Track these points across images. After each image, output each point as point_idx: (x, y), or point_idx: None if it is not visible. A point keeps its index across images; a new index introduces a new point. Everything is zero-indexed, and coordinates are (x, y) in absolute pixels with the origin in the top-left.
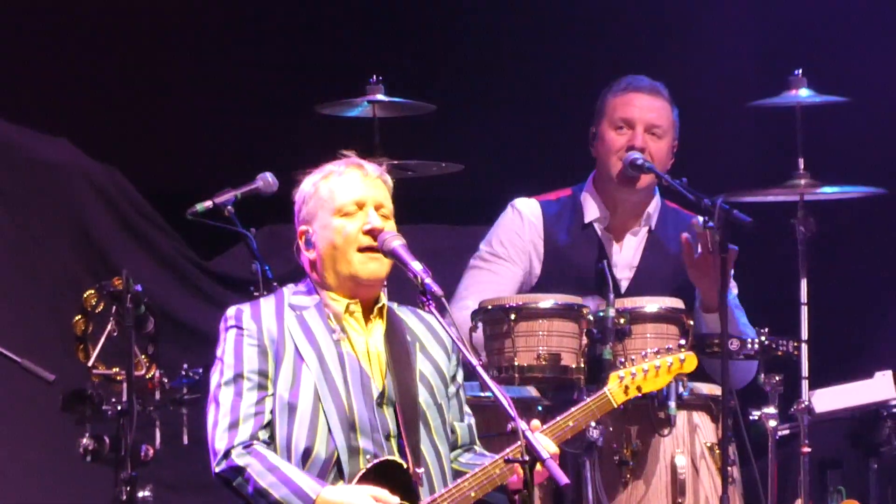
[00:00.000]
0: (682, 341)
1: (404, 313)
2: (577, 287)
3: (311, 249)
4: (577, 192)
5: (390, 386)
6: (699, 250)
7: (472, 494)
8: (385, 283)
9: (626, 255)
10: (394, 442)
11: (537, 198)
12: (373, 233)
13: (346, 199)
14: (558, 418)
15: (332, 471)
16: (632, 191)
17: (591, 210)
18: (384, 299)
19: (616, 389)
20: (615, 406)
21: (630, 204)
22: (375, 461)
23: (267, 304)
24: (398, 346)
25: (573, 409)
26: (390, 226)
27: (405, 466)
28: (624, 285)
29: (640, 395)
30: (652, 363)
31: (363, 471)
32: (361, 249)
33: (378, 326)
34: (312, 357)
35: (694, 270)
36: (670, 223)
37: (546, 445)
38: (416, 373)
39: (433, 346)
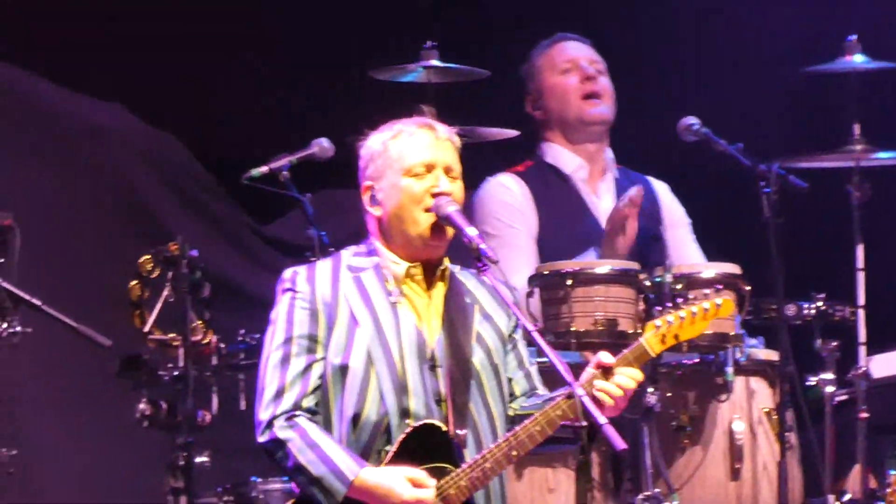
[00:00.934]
0: (719, 286)
1: (464, 276)
2: (572, 244)
3: (377, 206)
4: (539, 159)
5: (443, 348)
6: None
7: (514, 454)
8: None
9: (605, 204)
10: (444, 405)
11: (510, 171)
12: (439, 195)
13: (416, 160)
14: (593, 374)
15: (383, 436)
16: (596, 126)
17: (569, 162)
18: (447, 262)
19: (652, 338)
20: (652, 356)
21: (594, 143)
22: (414, 425)
23: (323, 266)
24: (457, 308)
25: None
26: (459, 187)
27: (445, 429)
28: None
29: (678, 342)
30: (688, 309)
31: (402, 436)
32: (428, 211)
33: (440, 288)
34: (367, 320)
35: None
36: (625, 179)
37: (632, 375)
38: (472, 334)
39: (492, 306)
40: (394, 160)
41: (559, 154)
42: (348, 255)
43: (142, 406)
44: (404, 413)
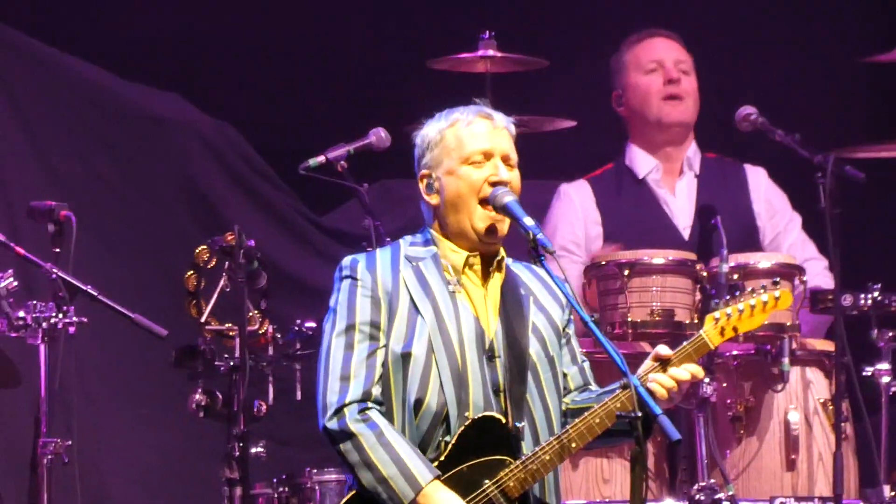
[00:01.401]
0: (777, 278)
1: (518, 268)
2: (643, 245)
3: (433, 195)
4: (620, 161)
5: (500, 339)
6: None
7: (573, 445)
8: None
9: (681, 202)
10: (502, 396)
11: (585, 178)
12: (497, 184)
13: (474, 148)
14: (651, 367)
15: (442, 425)
16: (676, 129)
17: (643, 164)
18: (503, 252)
19: (712, 331)
20: (712, 348)
21: (674, 144)
22: (473, 417)
23: (383, 254)
24: (513, 299)
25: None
26: (516, 176)
27: (504, 422)
28: (686, 234)
29: (736, 335)
30: (747, 302)
31: (462, 428)
32: (484, 201)
33: (496, 278)
34: (428, 309)
35: None
36: (714, 169)
37: (690, 370)
38: (528, 325)
39: (547, 298)
40: (451, 148)
41: (635, 156)
42: (405, 244)
43: (198, 396)
44: (463, 404)
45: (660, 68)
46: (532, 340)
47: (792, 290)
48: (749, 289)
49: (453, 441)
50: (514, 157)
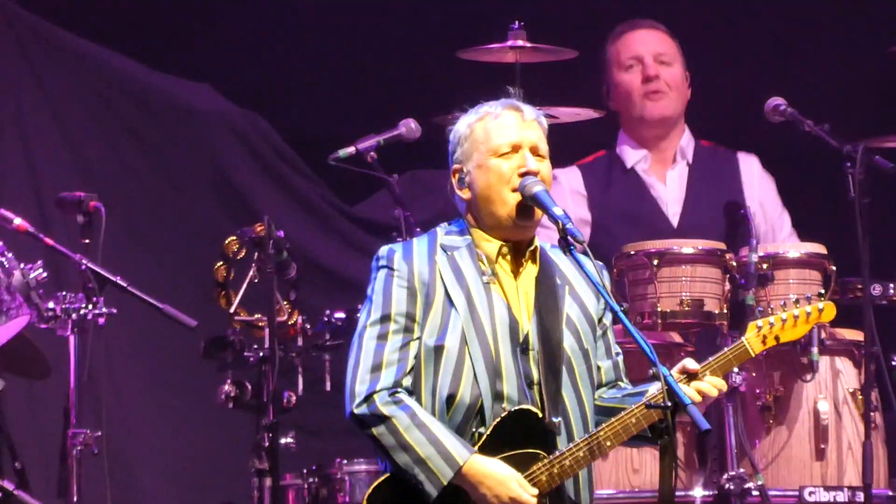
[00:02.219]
0: (822, 290)
1: (556, 254)
2: (633, 232)
3: (465, 189)
4: (612, 150)
5: (534, 331)
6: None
7: (608, 444)
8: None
9: (672, 191)
10: (536, 389)
11: (575, 164)
12: (527, 175)
13: (502, 140)
14: (677, 379)
15: (476, 417)
16: (658, 125)
17: (631, 155)
18: (537, 241)
19: (754, 339)
20: (752, 356)
21: (661, 138)
22: (509, 410)
23: (420, 244)
24: (547, 290)
25: (710, 360)
26: (546, 167)
27: (540, 416)
28: (675, 221)
29: (777, 344)
30: (791, 312)
31: (498, 420)
32: (515, 191)
33: (530, 269)
34: (462, 300)
35: None
36: (707, 158)
37: (716, 384)
38: (562, 317)
39: (582, 287)
40: (480, 142)
41: (625, 146)
42: (442, 232)
43: (227, 387)
44: (497, 396)
45: (638, 64)
46: (566, 333)
47: (821, 281)
48: (794, 298)
49: (488, 432)
50: (544, 148)
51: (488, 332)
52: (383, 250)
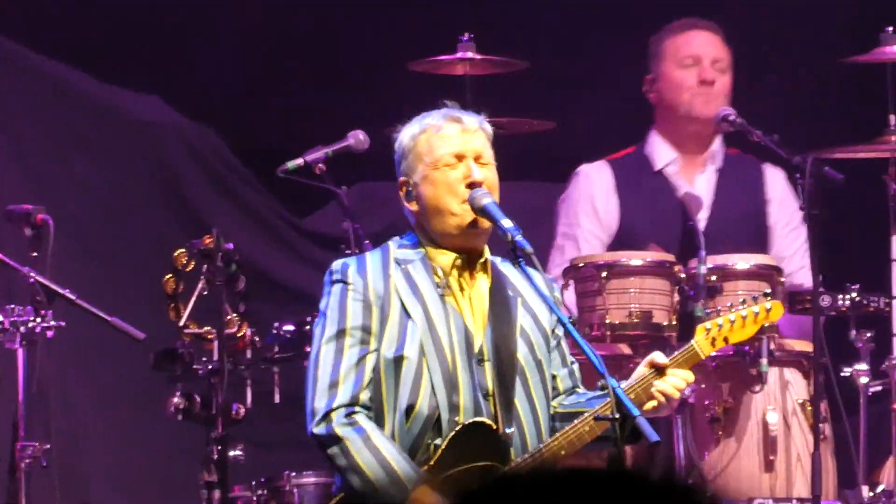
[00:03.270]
0: (768, 290)
1: (507, 267)
2: (657, 234)
3: (413, 202)
4: (641, 147)
5: (489, 342)
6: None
7: (563, 453)
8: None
9: (700, 195)
10: (491, 400)
11: (605, 159)
12: (473, 185)
13: (444, 151)
14: (647, 373)
15: (433, 429)
16: (704, 124)
17: (662, 156)
18: (488, 253)
19: (703, 341)
20: (703, 357)
21: (699, 139)
22: (464, 423)
23: (373, 258)
24: (500, 301)
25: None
26: (492, 173)
27: (494, 427)
28: (702, 225)
29: (727, 345)
30: (738, 313)
31: (453, 433)
32: (464, 203)
33: (483, 281)
34: (419, 313)
35: None
36: (735, 166)
37: (685, 377)
38: (516, 328)
39: (534, 299)
40: (424, 154)
41: (656, 146)
42: (394, 246)
43: (176, 399)
44: (454, 408)
45: (696, 64)
46: (520, 343)
47: (776, 295)
48: (741, 299)
49: (443, 445)
50: (489, 154)
51: (445, 343)
52: (337, 264)
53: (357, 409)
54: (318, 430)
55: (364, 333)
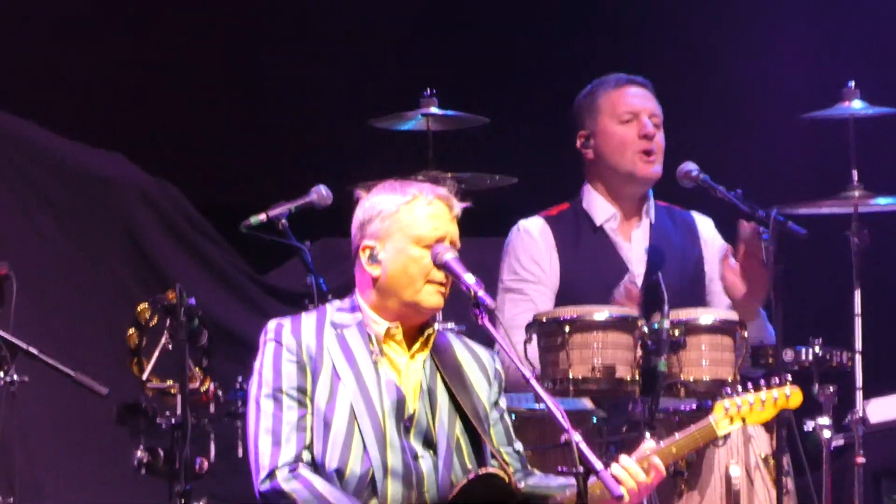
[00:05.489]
0: (789, 376)
1: (452, 339)
2: (598, 291)
3: (376, 266)
4: (577, 203)
5: (422, 412)
6: (740, 258)
7: None
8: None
9: (637, 251)
10: (422, 462)
11: (540, 215)
12: (446, 267)
13: (429, 231)
14: (662, 444)
15: (367, 488)
16: (645, 184)
17: (601, 212)
18: (433, 329)
19: (721, 419)
20: (718, 436)
21: (636, 198)
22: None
23: (308, 319)
24: (438, 372)
25: (678, 437)
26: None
27: (506, 479)
28: (639, 281)
29: (742, 426)
30: (758, 396)
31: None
32: (431, 282)
33: (422, 352)
34: (349, 376)
35: (737, 279)
36: (666, 218)
37: (635, 474)
38: (453, 399)
39: (475, 373)
40: (405, 225)
41: (594, 202)
42: (332, 309)
43: (139, 454)
44: (386, 469)
45: (635, 119)
46: (455, 415)
47: (734, 347)
48: (762, 382)
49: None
50: (457, 239)
51: (377, 406)
52: (271, 324)
53: (300, 465)
54: (264, 487)
55: (300, 394)
